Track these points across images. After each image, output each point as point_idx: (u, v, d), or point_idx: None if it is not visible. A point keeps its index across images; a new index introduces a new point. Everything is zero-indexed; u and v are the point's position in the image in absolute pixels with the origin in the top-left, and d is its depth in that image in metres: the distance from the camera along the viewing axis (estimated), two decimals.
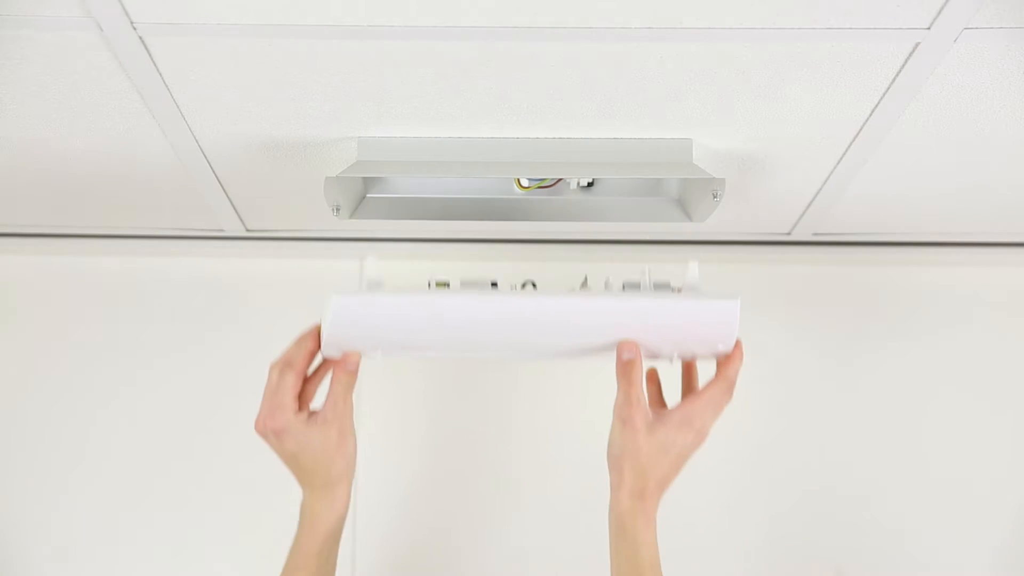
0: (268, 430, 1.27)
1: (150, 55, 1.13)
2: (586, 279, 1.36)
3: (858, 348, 1.72)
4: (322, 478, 1.28)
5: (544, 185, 1.39)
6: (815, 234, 1.67)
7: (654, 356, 1.31)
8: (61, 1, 1.05)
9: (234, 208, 1.57)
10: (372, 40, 1.11)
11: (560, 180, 1.39)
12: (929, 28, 1.07)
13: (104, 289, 1.73)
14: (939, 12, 1.05)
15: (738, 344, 1.30)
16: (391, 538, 1.69)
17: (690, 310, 1.27)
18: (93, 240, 1.70)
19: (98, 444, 1.69)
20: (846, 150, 1.34)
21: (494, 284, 1.28)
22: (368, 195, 1.41)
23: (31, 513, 1.67)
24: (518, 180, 1.38)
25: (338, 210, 1.32)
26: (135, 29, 1.09)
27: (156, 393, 1.70)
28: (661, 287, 1.28)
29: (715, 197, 1.31)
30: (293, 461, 1.29)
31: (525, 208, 1.41)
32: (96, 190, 1.50)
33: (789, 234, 1.67)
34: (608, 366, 1.30)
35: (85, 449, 1.69)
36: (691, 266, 1.29)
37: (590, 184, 1.40)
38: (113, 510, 1.68)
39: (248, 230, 1.68)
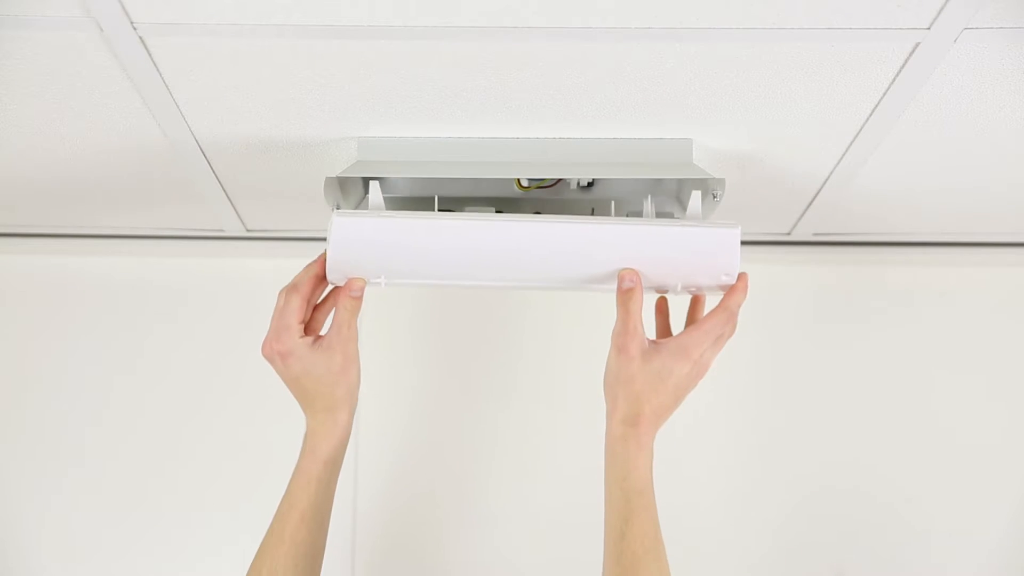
0: (274, 353, 1.30)
1: (150, 55, 1.13)
2: (593, 211, 1.36)
3: (858, 348, 1.72)
4: (324, 402, 1.30)
5: (544, 185, 1.39)
6: (815, 234, 1.67)
7: (660, 288, 1.32)
8: (61, 1, 1.05)
9: (234, 208, 1.57)
10: (372, 40, 1.11)
11: (560, 180, 1.39)
12: (929, 28, 1.07)
13: (104, 289, 1.73)
14: (939, 12, 1.05)
15: (742, 277, 1.30)
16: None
17: (691, 237, 1.27)
18: (93, 240, 1.70)
19: (98, 444, 1.69)
20: (846, 150, 1.34)
21: (499, 212, 1.29)
22: (368, 195, 1.41)
23: (31, 513, 1.68)
24: (518, 180, 1.38)
25: (338, 210, 1.32)
26: (135, 29, 1.09)
27: (156, 393, 1.71)
28: (664, 216, 1.30)
29: (715, 197, 1.31)
30: (296, 384, 1.30)
31: (525, 208, 1.41)
32: (96, 190, 1.50)
33: (789, 234, 1.67)
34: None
35: (85, 449, 1.69)
36: (693, 195, 1.30)
37: (590, 184, 1.40)
38: (113, 510, 1.68)
39: (248, 230, 1.68)
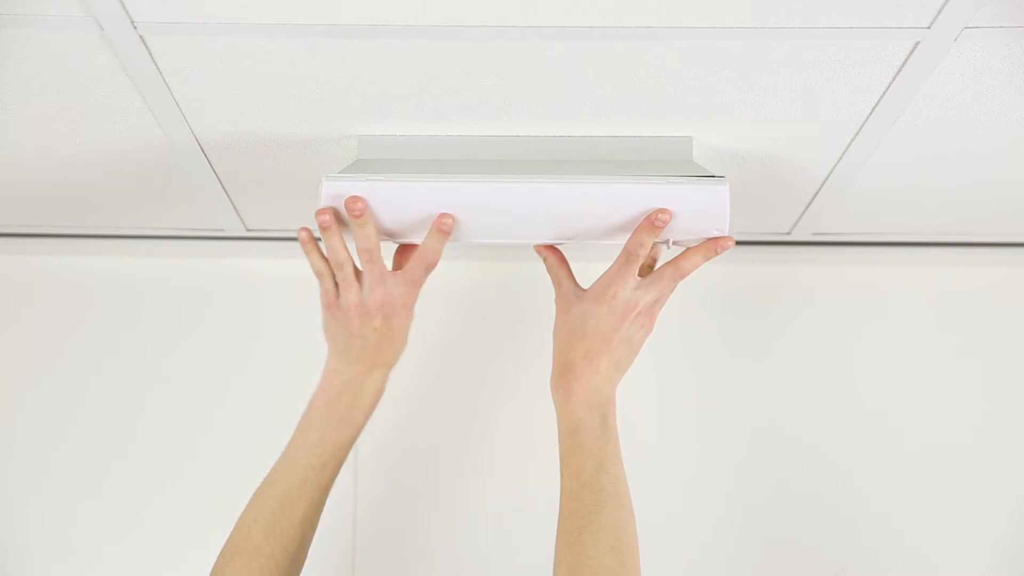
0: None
1: (150, 54, 1.13)
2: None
3: (858, 348, 1.72)
4: (397, 358, 1.36)
5: None
6: (815, 234, 1.67)
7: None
8: (61, 1, 1.05)
9: (234, 208, 1.57)
10: (372, 40, 1.11)
11: None
12: (929, 28, 1.07)
13: (104, 289, 1.73)
14: (939, 12, 1.05)
15: (711, 243, 1.30)
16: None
17: (679, 193, 1.27)
18: (93, 240, 1.70)
19: (98, 444, 1.69)
20: (846, 149, 1.34)
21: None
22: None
23: (31, 513, 1.67)
24: None
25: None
26: (135, 28, 1.09)
27: (156, 393, 1.70)
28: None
29: None
30: (402, 334, 1.34)
31: None
32: (96, 190, 1.50)
33: (789, 234, 1.67)
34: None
35: (85, 449, 1.69)
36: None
37: None
38: (113, 510, 1.68)
39: (248, 230, 1.68)
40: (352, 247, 1.29)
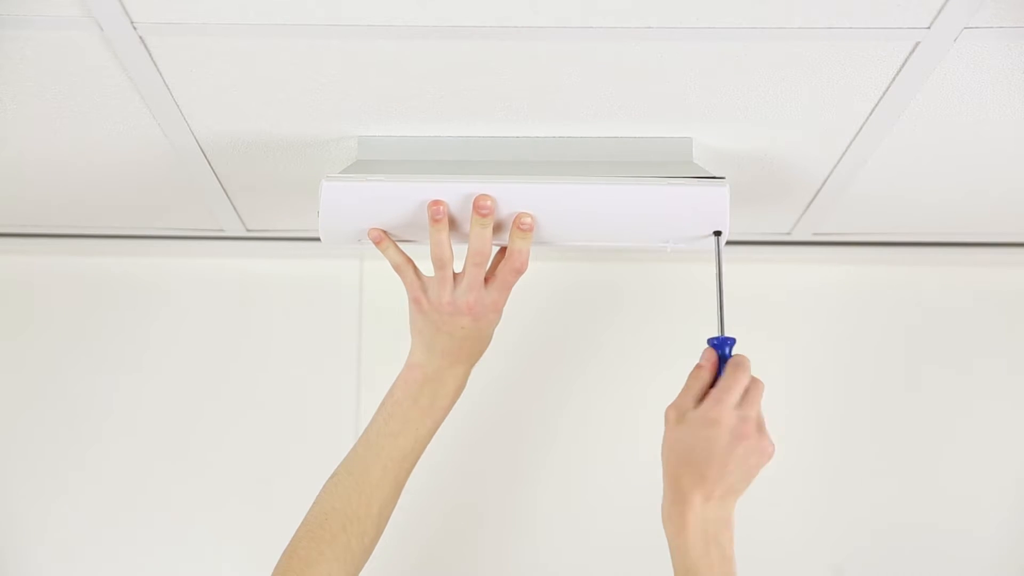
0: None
1: (150, 55, 1.13)
2: None
3: (858, 348, 1.72)
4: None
5: None
6: (815, 234, 1.67)
7: (652, 245, 1.32)
8: (61, 1, 1.05)
9: (234, 208, 1.57)
10: (372, 40, 1.11)
11: None
12: (929, 28, 1.07)
13: (104, 289, 1.73)
14: (939, 12, 1.05)
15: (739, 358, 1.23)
16: None
17: (679, 195, 1.26)
18: (93, 240, 1.70)
19: (98, 444, 1.69)
20: (846, 150, 1.34)
21: None
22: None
23: (31, 513, 1.67)
24: None
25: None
26: (135, 29, 1.09)
27: (156, 393, 1.70)
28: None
29: None
30: (488, 334, 1.32)
31: None
32: (96, 190, 1.50)
33: (789, 234, 1.67)
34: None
35: (85, 449, 1.69)
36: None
37: None
38: (113, 510, 1.68)
39: (248, 230, 1.68)
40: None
